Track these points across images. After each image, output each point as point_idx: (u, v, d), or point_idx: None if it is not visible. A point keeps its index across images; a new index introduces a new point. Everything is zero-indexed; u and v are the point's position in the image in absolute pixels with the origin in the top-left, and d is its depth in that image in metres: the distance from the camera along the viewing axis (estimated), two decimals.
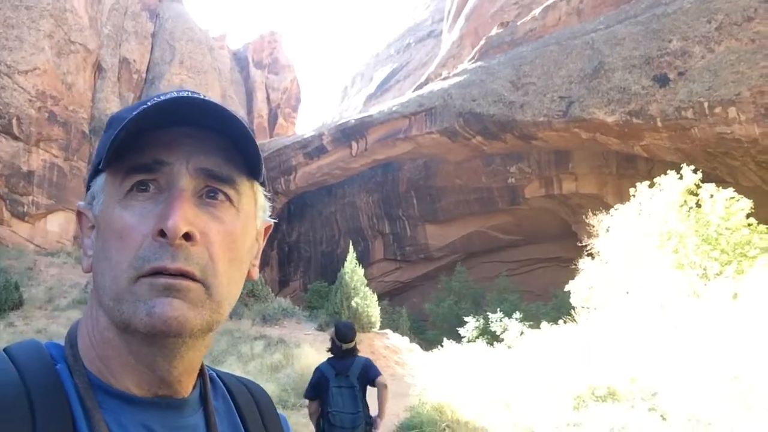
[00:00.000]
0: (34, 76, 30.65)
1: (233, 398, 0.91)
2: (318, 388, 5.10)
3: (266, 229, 0.89)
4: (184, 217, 0.68)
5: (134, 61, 40.27)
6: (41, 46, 31.32)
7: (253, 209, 0.82)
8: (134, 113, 0.69)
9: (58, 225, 30.98)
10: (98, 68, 36.68)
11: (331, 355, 5.31)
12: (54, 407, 0.67)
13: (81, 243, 0.82)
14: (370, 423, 5.03)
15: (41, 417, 0.65)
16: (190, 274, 0.69)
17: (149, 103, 0.71)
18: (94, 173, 0.78)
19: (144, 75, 40.87)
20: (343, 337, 5.24)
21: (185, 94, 0.72)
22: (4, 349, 0.74)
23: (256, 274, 0.85)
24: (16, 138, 29.62)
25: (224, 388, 0.91)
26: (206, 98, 0.73)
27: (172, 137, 0.73)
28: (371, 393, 5.19)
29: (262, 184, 0.84)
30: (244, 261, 0.79)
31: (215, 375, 0.92)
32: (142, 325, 0.67)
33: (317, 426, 5.10)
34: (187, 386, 0.79)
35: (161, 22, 44.00)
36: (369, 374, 5.12)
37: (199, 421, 0.80)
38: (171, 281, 0.68)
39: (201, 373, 0.85)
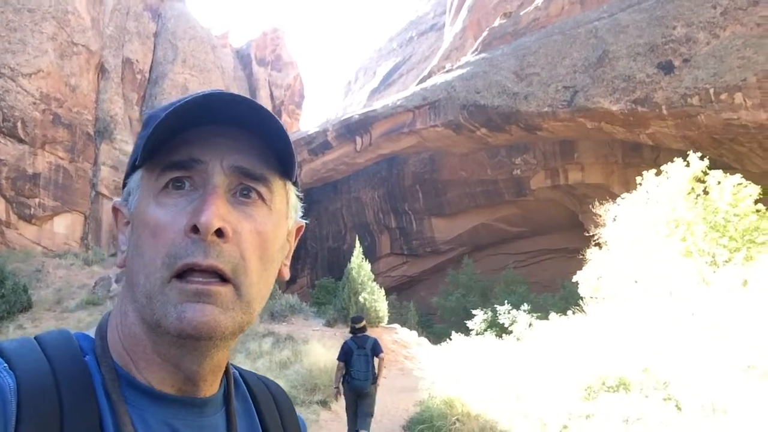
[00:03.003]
0: (37, 78, 30.75)
1: (254, 398, 0.91)
2: (345, 355, 8.04)
3: (298, 230, 0.91)
4: (217, 213, 0.69)
5: (137, 61, 40.31)
6: (44, 49, 31.41)
7: (286, 208, 0.82)
8: (168, 110, 0.70)
9: (65, 226, 31.09)
10: (101, 69, 36.72)
11: (351, 335, 8.26)
12: (81, 399, 0.68)
13: (117, 239, 0.83)
14: (376, 378, 7.97)
15: (68, 408, 0.67)
16: (221, 272, 0.70)
17: (183, 101, 0.72)
18: (131, 170, 0.79)
19: (147, 75, 40.92)
20: (356, 320, 8.35)
21: (218, 91, 0.73)
22: (35, 338, 0.75)
23: (287, 273, 0.86)
24: (21, 141, 29.74)
25: (245, 388, 0.92)
26: (240, 96, 0.73)
27: (207, 135, 0.74)
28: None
29: (295, 184, 0.85)
30: (275, 260, 0.80)
31: (238, 374, 0.93)
32: (172, 328, 0.68)
33: (338, 379, 8.13)
34: (212, 385, 0.80)
35: (163, 22, 44.02)
36: (376, 349, 8.05)
37: (220, 422, 0.81)
38: (201, 287, 0.69)
39: (226, 372, 0.86)
